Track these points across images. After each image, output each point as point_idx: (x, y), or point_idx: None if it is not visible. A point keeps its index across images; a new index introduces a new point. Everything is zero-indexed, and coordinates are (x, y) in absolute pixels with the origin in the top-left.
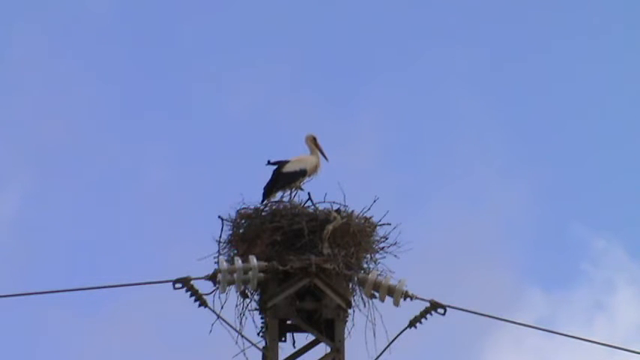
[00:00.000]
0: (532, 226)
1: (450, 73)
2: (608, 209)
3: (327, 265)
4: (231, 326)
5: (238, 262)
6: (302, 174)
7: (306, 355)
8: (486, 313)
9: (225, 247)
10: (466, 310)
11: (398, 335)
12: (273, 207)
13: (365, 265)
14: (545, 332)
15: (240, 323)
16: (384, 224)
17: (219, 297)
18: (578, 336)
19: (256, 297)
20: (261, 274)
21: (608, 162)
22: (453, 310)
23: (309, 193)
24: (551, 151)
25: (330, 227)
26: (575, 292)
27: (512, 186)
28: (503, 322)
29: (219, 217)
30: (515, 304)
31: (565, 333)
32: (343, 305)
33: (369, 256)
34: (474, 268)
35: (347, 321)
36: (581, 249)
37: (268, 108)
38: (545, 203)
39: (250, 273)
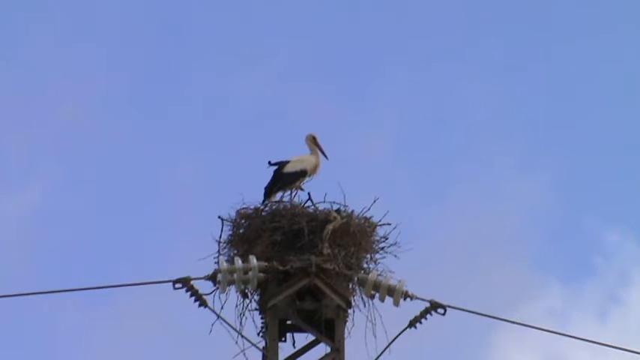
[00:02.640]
0: (547, 219)
1: (467, 65)
2: (622, 202)
3: (327, 265)
4: (231, 326)
5: (238, 262)
6: (302, 174)
7: (306, 355)
8: (487, 313)
9: (225, 247)
10: (466, 310)
11: (398, 335)
12: (273, 207)
13: (365, 265)
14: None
15: (240, 323)
16: (384, 224)
17: (219, 297)
18: (576, 336)
19: (256, 297)
20: (261, 274)
21: (623, 155)
22: (458, 306)
23: (309, 193)
24: (568, 144)
25: (330, 227)
26: (589, 286)
27: (529, 179)
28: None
29: (219, 217)
30: (528, 296)
31: (564, 333)
32: (343, 305)
33: (369, 256)
34: (488, 260)
35: (347, 321)
36: (594, 242)
37: (271, 106)
38: (560, 196)
39: (250, 273)
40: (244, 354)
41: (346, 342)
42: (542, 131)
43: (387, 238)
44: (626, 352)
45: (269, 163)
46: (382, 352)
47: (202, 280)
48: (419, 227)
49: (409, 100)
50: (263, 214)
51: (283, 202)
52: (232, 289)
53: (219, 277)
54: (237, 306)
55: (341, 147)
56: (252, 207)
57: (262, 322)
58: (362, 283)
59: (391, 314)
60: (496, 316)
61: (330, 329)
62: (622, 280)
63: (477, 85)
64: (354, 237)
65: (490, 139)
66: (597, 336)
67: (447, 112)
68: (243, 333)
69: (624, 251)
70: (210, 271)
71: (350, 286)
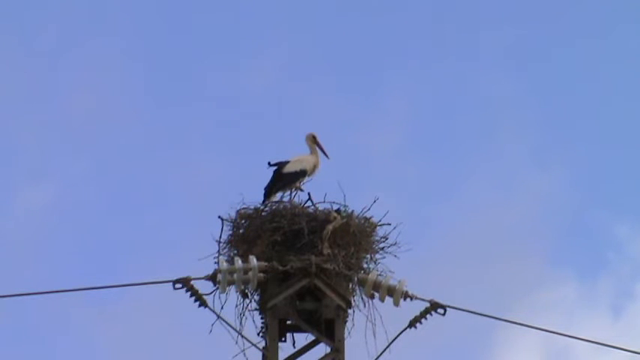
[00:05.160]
0: (561, 213)
1: (480, 58)
2: (636, 196)
3: (327, 265)
4: (231, 326)
5: (238, 262)
6: (302, 174)
7: (306, 355)
8: (487, 313)
9: (225, 247)
10: (466, 310)
11: (398, 335)
12: (273, 207)
13: (365, 265)
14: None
15: (240, 323)
16: (384, 224)
17: (219, 297)
18: (576, 335)
19: (256, 297)
20: (261, 274)
21: (638, 149)
22: (458, 306)
23: (309, 193)
24: (583, 138)
25: (330, 227)
26: (602, 280)
27: (544, 173)
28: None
29: (219, 217)
30: (540, 291)
31: (565, 333)
32: (343, 305)
33: (369, 256)
34: (499, 256)
35: (347, 321)
36: (608, 236)
37: (272, 104)
38: (575, 190)
39: (250, 273)
40: (244, 354)
41: (346, 342)
42: (557, 125)
43: (387, 238)
44: (626, 352)
45: (269, 163)
46: (382, 352)
47: (202, 280)
48: (431, 223)
49: (419, 94)
50: (263, 214)
51: (283, 202)
52: (232, 289)
53: (219, 277)
54: (237, 306)
55: (348, 143)
56: (252, 207)
57: (262, 322)
58: (362, 283)
59: (391, 314)
60: (496, 316)
61: (330, 329)
62: (635, 274)
63: (491, 79)
64: (354, 237)
65: (504, 133)
66: (610, 330)
67: (459, 106)
68: (243, 333)
69: (637, 245)
70: (210, 271)
71: (350, 286)
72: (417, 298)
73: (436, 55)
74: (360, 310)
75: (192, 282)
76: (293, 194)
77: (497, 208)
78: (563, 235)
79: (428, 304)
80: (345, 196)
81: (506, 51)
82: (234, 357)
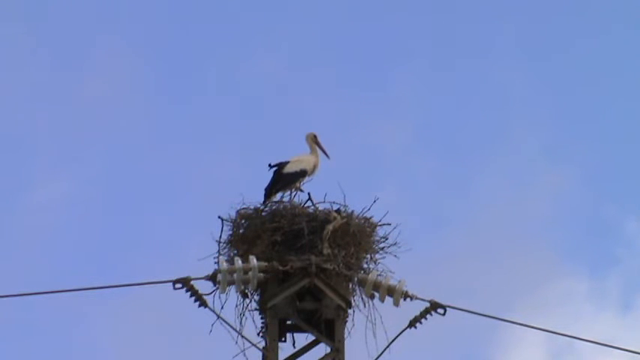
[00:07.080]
0: (572, 209)
1: (493, 54)
2: None
3: (327, 265)
4: (231, 326)
5: (238, 262)
6: (302, 174)
7: (306, 355)
8: (487, 313)
9: (225, 247)
10: (466, 310)
11: (398, 335)
12: (273, 207)
13: (365, 265)
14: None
15: (240, 323)
16: (383, 224)
17: (219, 297)
18: (575, 336)
19: (256, 297)
20: (261, 274)
21: None
22: (458, 306)
23: (309, 193)
24: (596, 134)
25: (330, 227)
26: (610, 276)
27: (556, 168)
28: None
29: (219, 217)
30: (550, 287)
31: (567, 334)
32: (343, 305)
33: (369, 256)
34: (510, 250)
35: (347, 321)
36: (617, 232)
37: (272, 103)
38: (588, 186)
39: (250, 273)
40: (244, 354)
41: (346, 342)
42: (569, 121)
43: (387, 238)
44: (626, 352)
45: (269, 165)
46: (382, 352)
47: (202, 280)
48: (442, 220)
49: (429, 91)
50: (263, 214)
51: (283, 202)
52: (232, 289)
53: (219, 277)
54: (237, 306)
55: (357, 141)
56: (252, 207)
57: (262, 322)
58: (362, 283)
59: (391, 314)
60: (496, 315)
61: (330, 329)
62: None
63: (503, 75)
64: (354, 237)
65: (516, 129)
66: (618, 327)
67: (471, 103)
68: (243, 333)
69: None
70: (210, 271)
71: (350, 286)
72: (417, 298)
73: (447, 50)
74: (360, 310)
75: (192, 282)
76: (293, 194)
77: (509, 205)
78: (574, 231)
79: (428, 304)
80: (345, 196)
81: (519, 47)
82: (234, 357)
